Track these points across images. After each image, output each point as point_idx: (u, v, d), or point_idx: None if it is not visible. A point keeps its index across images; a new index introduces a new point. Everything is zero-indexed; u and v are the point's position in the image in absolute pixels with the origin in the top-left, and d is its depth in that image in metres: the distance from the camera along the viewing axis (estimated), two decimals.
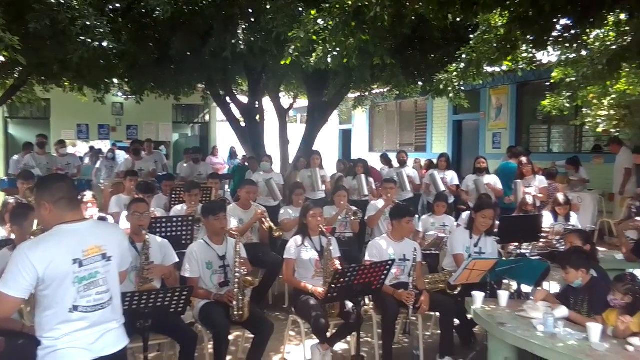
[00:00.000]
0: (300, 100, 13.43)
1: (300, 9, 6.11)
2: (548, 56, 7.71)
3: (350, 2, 4.68)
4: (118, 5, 6.97)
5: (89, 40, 5.86)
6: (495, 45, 5.75)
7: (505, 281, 5.09)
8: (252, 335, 4.23)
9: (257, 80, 10.19)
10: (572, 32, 5.54)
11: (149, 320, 3.30)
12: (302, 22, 5.06)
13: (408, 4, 5.01)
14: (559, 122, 11.36)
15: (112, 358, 2.58)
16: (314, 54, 5.19)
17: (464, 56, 5.99)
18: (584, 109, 9.28)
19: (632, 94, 7.89)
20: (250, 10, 7.00)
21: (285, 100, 12.92)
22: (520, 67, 7.66)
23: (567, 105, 7.90)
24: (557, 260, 4.80)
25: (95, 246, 2.57)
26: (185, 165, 10.29)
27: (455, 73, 6.09)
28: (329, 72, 7.31)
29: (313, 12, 5.00)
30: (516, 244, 5.43)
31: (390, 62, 6.02)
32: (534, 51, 6.83)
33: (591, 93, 8.17)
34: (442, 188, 7.92)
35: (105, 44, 5.99)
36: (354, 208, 6.39)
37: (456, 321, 4.73)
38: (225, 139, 16.63)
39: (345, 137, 19.42)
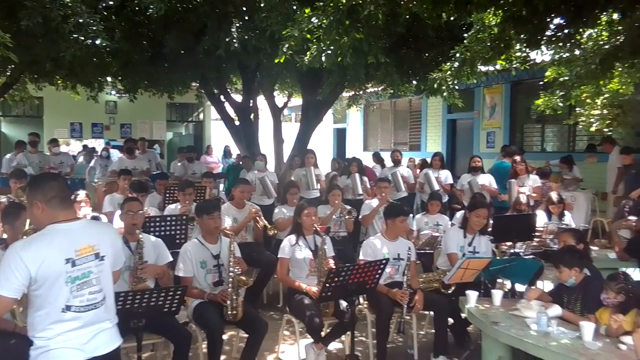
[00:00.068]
0: (294, 99, 13.43)
1: (295, 7, 6.10)
2: (542, 55, 7.75)
3: (344, 1, 4.68)
4: (111, 2, 6.95)
5: (82, 38, 5.83)
6: (489, 44, 5.77)
7: (499, 280, 5.11)
8: (246, 335, 4.21)
9: (251, 79, 10.17)
10: (566, 31, 5.57)
11: (142, 319, 3.29)
12: (296, 20, 5.05)
13: (402, 2, 5.01)
14: (552, 121, 11.40)
15: (105, 358, 2.57)
16: (308, 53, 5.18)
17: (458, 55, 6.00)
18: (577, 108, 9.32)
19: (625, 93, 7.93)
20: (244, 9, 6.99)
21: (280, 99, 12.91)
22: (514, 66, 7.69)
23: (561, 104, 7.93)
24: (550, 259, 4.81)
25: (88, 245, 2.56)
26: (179, 164, 10.25)
27: (449, 72, 6.10)
28: (323, 71, 7.31)
29: (307, 10, 5.00)
30: (510, 243, 5.44)
31: (385, 61, 6.01)
32: (527, 50, 6.86)
33: (584, 92, 8.20)
34: (437, 187, 7.94)
35: (98, 41, 5.97)
36: (348, 207, 6.40)
37: (450, 320, 4.74)
38: (220, 138, 16.60)
39: (340, 136, 19.42)
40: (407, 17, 5.57)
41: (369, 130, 18.03)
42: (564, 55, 7.09)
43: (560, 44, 6.02)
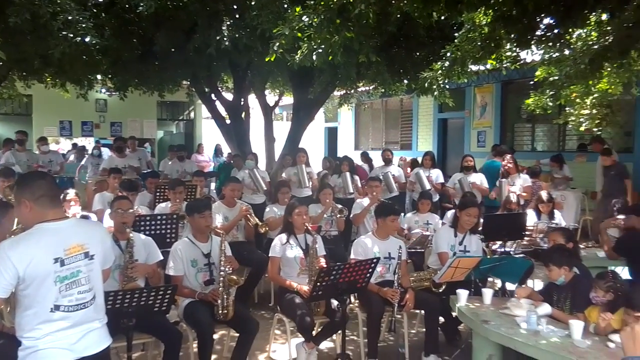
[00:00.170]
0: (286, 97, 13.41)
1: (285, 5, 6.10)
2: (532, 55, 7.76)
3: (335, 0, 4.67)
4: (101, 0, 6.89)
5: (71, 35, 5.79)
6: (479, 43, 5.79)
7: (489, 279, 5.13)
8: (237, 334, 4.20)
9: (242, 77, 10.15)
10: (555, 31, 5.59)
11: (132, 319, 3.26)
12: (287, 19, 5.03)
13: (393, 1, 5.02)
14: (542, 120, 11.47)
15: (95, 358, 2.55)
16: (299, 51, 5.17)
17: (448, 54, 6.01)
18: (567, 108, 9.37)
19: (614, 93, 7.98)
20: (235, 7, 6.97)
21: (271, 97, 12.89)
22: (505, 65, 7.72)
23: (551, 104, 7.96)
24: (540, 258, 4.84)
25: (77, 245, 2.53)
26: (169, 162, 10.21)
27: (440, 71, 6.11)
28: (314, 70, 7.30)
29: (298, 9, 4.99)
30: (500, 241, 5.47)
31: (376, 60, 6.02)
32: (517, 50, 6.88)
33: (574, 92, 8.24)
34: (428, 187, 7.95)
35: (87, 39, 5.93)
36: (340, 206, 6.39)
37: (441, 319, 4.76)
38: (211, 137, 16.55)
39: (331, 135, 19.42)
40: (398, 16, 5.57)
41: (361, 129, 18.04)
42: (554, 55, 7.12)
43: (550, 44, 6.04)
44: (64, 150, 16.54)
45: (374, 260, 4.05)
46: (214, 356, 4.29)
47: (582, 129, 9.34)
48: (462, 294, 3.97)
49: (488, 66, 7.65)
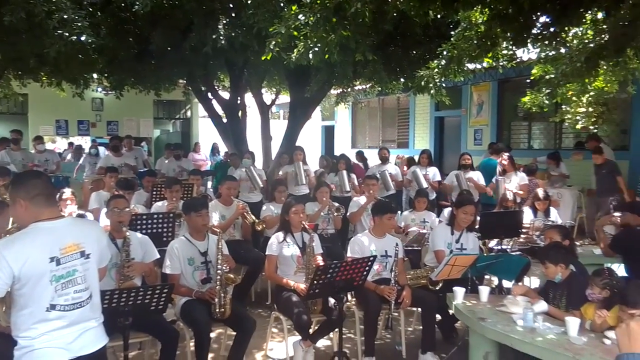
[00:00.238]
0: (282, 96, 13.39)
1: (282, 4, 6.08)
2: (528, 53, 7.79)
3: None
4: None
5: (67, 34, 5.76)
6: (475, 42, 5.78)
7: (486, 276, 5.14)
8: (234, 333, 4.20)
9: (238, 76, 10.14)
10: (551, 29, 5.60)
11: (129, 318, 3.26)
12: (283, 17, 5.02)
13: (389, 0, 5.01)
14: (539, 118, 11.49)
15: (91, 357, 2.55)
16: (295, 50, 5.17)
17: (445, 53, 6.01)
18: (563, 106, 9.39)
19: (610, 91, 8.01)
20: (231, 5, 6.96)
21: (268, 96, 12.87)
22: (501, 64, 7.72)
23: (547, 102, 7.98)
24: (537, 255, 4.85)
25: (73, 244, 2.53)
26: (166, 161, 10.20)
27: (436, 70, 6.10)
28: (310, 68, 7.30)
29: (294, 7, 4.97)
30: (497, 239, 5.48)
31: (372, 59, 6.02)
32: (514, 48, 6.88)
33: (570, 90, 8.27)
34: (425, 185, 7.96)
35: (83, 38, 5.91)
36: (337, 204, 6.40)
37: (438, 316, 4.76)
38: (208, 135, 16.52)
39: (328, 134, 19.42)
40: (395, 14, 5.58)
41: (357, 128, 18.04)
42: (550, 54, 7.13)
43: (546, 42, 6.05)
44: (60, 150, 16.49)
45: (371, 259, 4.05)
46: (210, 355, 4.28)
47: (578, 127, 9.37)
48: (459, 291, 3.98)
49: (484, 64, 7.67)
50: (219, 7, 6.86)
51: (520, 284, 4.68)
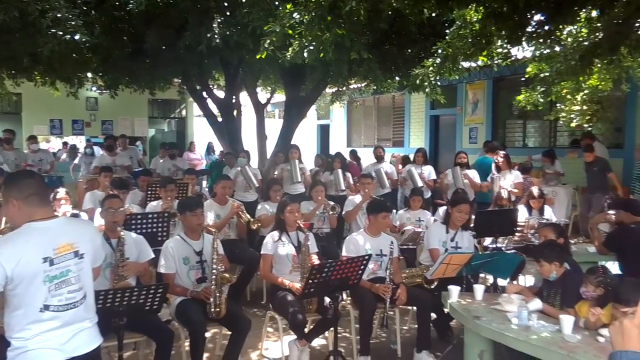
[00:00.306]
0: (277, 95, 13.38)
1: (276, 2, 6.06)
2: (523, 52, 7.79)
3: None
4: None
5: (60, 33, 5.71)
6: (470, 40, 5.79)
7: (481, 275, 5.15)
8: (229, 332, 4.20)
9: (233, 75, 10.11)
10: (546, 28, 5.62)
11: (123, 318, 3.25)
12: (278, 16, 5.01)
13: None
14: (534, 117, 11.52)
15: (85, 358, 2.54)
16: (290, 49, 5.16)
17: (440, 51, 6.01)
18: (558, 104, 9.42)
19: (604, 89, 8.03)
20: (226, 4, 6.93)
21: (263, 95, 12.85)
22: (496, 62, 7.73)
23: (542, 100, 8.00)
24: (531, 253, 4.87)
25: (67, 244, 2.52)
26: (161, 160, 10.18)
27: (431, 68, 6.11)
28: (306, 67, 7.29)
29: (289, 6, 4.96)
30: (492, 238, 5.49)
31: (367, 57, 6.01)
32: (508, 46, 6.89)
33: (565, 88, 8.29)
34: (420, 184, 7.97)
35: (77, 36, 5.86)
36: (332, 203, 6.40)
37: (433, 315, 4.77)
38: (203, 135, 16.49)
39: (323, 133, 19.42)
40: (390, 13, 5.57)
41: (353, 127, 18.05)
42: (545, 52, 7.15)
43: (541, 41, 6.06)
44: (55, 149, 16.43)
45: (366, 257, 4.05)
46: (206, 354, 4.28)
47: (573, 125, 9.40)
48: (454, 290, 3.99)
49: (479, 63, 7.68)
50: (213, 5, 6.84)
51: (515, 282, 4.71)
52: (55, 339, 2.44)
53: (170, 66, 8.41)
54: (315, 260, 4.57)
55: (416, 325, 4.67)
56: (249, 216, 6.00)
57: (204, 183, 11.37)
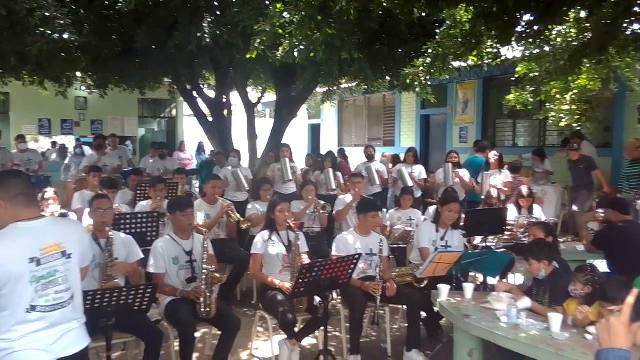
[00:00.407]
0: (268, 94, 13.36)
1: (267, 2, 6.05)
2: (512, 51, 7.84)
3: None
4: None
5: (49, 32, 5.67)
6: (460, 40, 5.82)
7: (471, 274, 5.17)
8: (219, 332, 4.18)
9: (224, 74, 10.09)
10: (535, 28, 5.65)
11: (112, 318, 3.23)
12: (268, 15, 5.01)
13: None
14: (523, 116, 11.57)
15: (73, 359, 2.51)
16: (280, 48, 5.16)
17: (430, 51, 6.03)
18: (547, 104, 9.47)
19: (593, 89, 8.09)
20: (216, 3, 6.92)
21: (253, 94, 12.83)
22: (486, 62, 7.77)
23: (531, 99, 8.05)
24: (521, 252, 4.89)
25: (54, 244, 2.50)
26: (151, 160, 10.14)
27: (421, 68, 6.13)
28: (296, 67, 7.28)
29: (279, 5, 4.96)
30: (482, 236, 5.51)
31: (358, 57, 6.02)
32: (498, 46, 6.93)
33: (554, 88, 8.34)
34: (410, 184, 7.99)
35: (66, 36, 5.83)
36: (322, 202, 6.40)
37: (423, 314, 4.78)
38: (193, 134, 16.43)
39: (314, 132, 19.42)
40: (380, 13, 5.59)
41: (344, 126, 18.06)
42: (534, 52, 7.19)
43: (530, 41, 6.10)
44: (44, 149, 16.29)
45: (356, 257, 4.06)
46: (195, 354, 4.26)
47: (562, 124, 9.45)
48: (444, 288, 4.00)
49: (469, 62, 7.71)
50: (203, 5, 6.82)
51: (504, 280, 4.73)
52: (42, 340, 2.42)
53: (161, 66, 8.38)
54: (306, 259, 4.56)
55: (406, 324, 4.69)
56: (239, 216, 5.99)
57: (195, 182, 11.33)
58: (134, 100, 14.80)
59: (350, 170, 9.55)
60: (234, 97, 11.67)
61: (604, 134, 10.29)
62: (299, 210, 6.14)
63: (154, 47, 7.56)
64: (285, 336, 4.36)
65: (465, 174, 8.02)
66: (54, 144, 15.70)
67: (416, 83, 6.47)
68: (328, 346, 4.08)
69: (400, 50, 8.20)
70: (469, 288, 4.00)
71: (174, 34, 6.89)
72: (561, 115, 9.18)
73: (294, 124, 11.19)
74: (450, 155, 8.24)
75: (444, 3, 5.08)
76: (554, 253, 4.07)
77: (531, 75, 7.26)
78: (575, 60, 6.07)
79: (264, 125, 14.00)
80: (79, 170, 9.98)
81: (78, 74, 9.63)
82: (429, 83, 7.39)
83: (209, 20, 6.61)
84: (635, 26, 5.65)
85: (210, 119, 10.75)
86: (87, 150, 12.07)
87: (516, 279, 5.81)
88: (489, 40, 6.36)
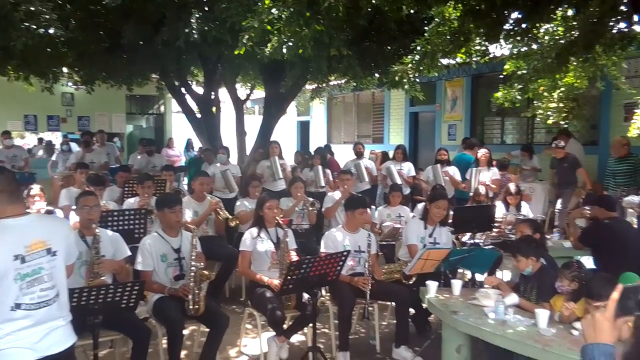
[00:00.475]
0: (257, 91, 13.31)
1: None
2: (501, 49, 7.87)
3: None
4: None
5: (34, 27, 5.61)
6: (449, 37, 5.83)
7: (459, 270, 5.19)
8: (207, 329, 4.17)
9: (212, 71, 10.03)
10: (523, 25, 5.68)
11: (99, 316, 3.20)
12: (256, 11, 4.99)
13: None
14: (511, 114, 11.63)
15: (59, 357, 2.50)
16: (269, 44, 5.14)
17: (418, 48, 6.03)
18: (535, 101, 9.52)
19: (580, 87, 8.14)
20: None
21: (242, 91, 12.77)
22: (474, 59, 7.79)
23: (519, 97, 8.08)
24: (508, 249, 4.92)
25: (39, 241, 2.47)
26: (139, 157, 10.07)
27: (410, 65, 6.13)
28: (285, 63, 7.26)
29: (267, 1, 4.94)
30: (470, 233, 5.54)
31: (347, 54, 6.01)
32: (486, 44, 6.95)
33: (541, 86, 8.38)
34: (399, 181, 8.01)
35: (51, 30, 5.77)
36: (311, 199, 6.39)
37: (412, 310, 4.80)
38: (181, 131, 16.34)
39: (303, 129, 19.39)
40: (369, 9, 5.57)
41: (333, 123, 18.05)
42: (522, 49, 7.22)
43: (518, 38, 6.13)
44: (30, 145, 16.13)
45: (344, 253, 4.05)
46: (184, 352, 4.25)
47: (549, 122, 9.50)
48: (432, 285, 4.01)
49: (458, 60, 7.72)
50: (191, 0, 6.77)
51: (492, 277, 4.74)
52: (27, 338, 2.40)
53: (148, 62, 8.31)
54: (294, 256, 4.56)
55: (395, 321, 4.70)
56: (227, 213, 5.96)
57: (184, 180, 11.27)
58: (122, 97, 14.68)
59: (339, 167, 9.55)
60: (223, 93, 11.60)
61: (591, 131, 10.38)
62: (287, 207, 6.13)
63: (141, 42, 7.49)
64: (274, 333, 4.35)
65: (455, 171, 8.05)
66: (40, 140, 15.54)
67: (405, 80, 6.47)
68: (317, 343, 4.08)
69: (389, 47, 8.20)
70: (457, 284, 4.02)
71: (161, 30, 6.83)
72: (549, 112, 9.22)
73: (282, 120, 11.15)
74: (439, 152, 8.28)
75: (433, 0, 5.09)
76: (541, 249, 4.11)
77: (519, 72, 7.29)
78: (562, 58, 6.11)
79: (253, 122, 13.95)
80: (66, 167, 9.90)
81: (64, 69, 9.53)
82: (418, 80, 7.38)
83: (197, 16, 6.56)
84: (621, 25, 5.69)
85: (198, 115, 10.69)
86: (74, 146, 11.98)
87: (504, 275, 5.84)
88: (477, 38, 6.38)
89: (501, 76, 9.27)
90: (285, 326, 4.40)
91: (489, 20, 5.41)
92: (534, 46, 6.80)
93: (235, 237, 6.07)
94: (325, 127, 18.15)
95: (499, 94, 8.28)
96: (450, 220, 5.30)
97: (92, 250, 3.91)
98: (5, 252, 2.35)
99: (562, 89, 8.34)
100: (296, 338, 4.76)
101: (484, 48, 7.31)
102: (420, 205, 6.45)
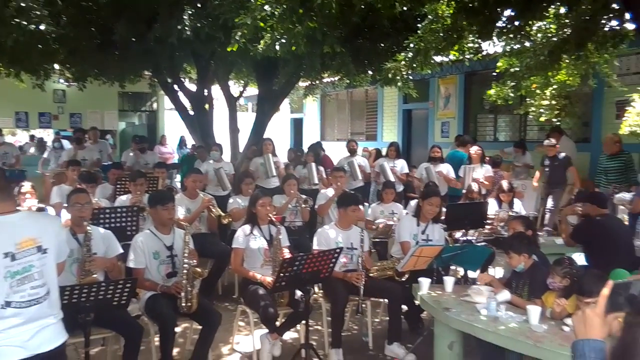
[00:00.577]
0: (250, 88, 13.27)
1: None
2: (494, 46, 7.88)
3: None
4: None
5: (25, 23, 5.57)
6: (442, 34, 5.83)
7: (452, 267, 5.20)
8: (200, 327, 4.16)
9: (205, 68, 9.99)
10: (516, 23, 5.70)
11: (90, 314, 3.19)
12: (249, 8, 4.97)
13: None
14: (504, 111, 11.67)
15: (50, 355, 2.48)
16: (262, 41, 5.12)
17: (412, 45, 6.03)
18: (527, 99, 9.56)
19: (572, 84, 8.18)
20: None
21: (235, 88, 12.74)
22: (467, 57, 7.80)
23: (512, 94, 8.10)
24: (501, 245, 4.94)
25: (29, 238, 2.45)
26: (131, 154, 10.02)
27: (403, 62, 6.13)
28: (278, 60, 7.24)
29: None
30: (462, 230, 5.55)
31: (340, 51, 6.01)
32: (479, 41, 6.96)
33: (534, 83, 8.41)
34: (392, 178, 8.01)
35: (42, 27, 5.73)
36: (304, 196, 6.38)
37: (404, 307, 4.81)
38: (174, 128, 16.28)
39: (297, 126, 19.38)
40: (362, 7, 5.57)
41: (326, 120, 18.05)
42: (515, 47, 7.24)
43: (511, 36, 6.15)
44: (22, 142, 16.03)
45: (337, 250, 4.06)
46: (176, 349, 4.24)
47: (542, 119, 9.54)
48: (424, 282, 4.02)
49: (451, 57, 7.73)
50: None
51: (484, 273, 4.76)
52: (17, 336, 2.38)
53: (140, 58, 8.28)
54: (287, 254, 4.55)
55: (387, 318, 4.71)
56: (219, 211, 5.95)
57: (177, 177, 11.24)
58: (114, 94, 14.60)
59: (333, 164, 9.55)
60: (216, 90, 11.57)
61: (583, 129, 10.43)
62: (280, 205, 6.12)
63: (133, 39, 7.45)
64: (267, 330, 4.35)
65: (449, 169, 8.06)
66: (31, 137, 15.45)
67: (398, 77, 6.47)
68: (309, 340, 4.09)
69: (382, 45, 8.20)
70: (449, 281, 4.03)
71: (153, 26, 6.80)
72: (541, 110, 9.26)
73: (276, 118, 11.14)
74: (433, 149, 8.29)
75: None
76: (533, 246, 4.13)
77: (512, 70, 7.31)
78: (554, 56, 6.13)
79: (246, 119, 13.91)
80: (58, 164, 9.83)
81: (56, 66, 9.47)
82: (411, 77, 7.38)
83: (190, 12, 6.54)
84: (613, 22, 5.73)
85: (191, 112, 10.66)
86: (66, 143, 11.91)
87: (496, 272, 5.86)
88: (470, 35, 6.39)
89: (494, 74, 9.30)
90: (278, 323, 4.40)
91: (482, 17, 5.43)
92: (527, 44, 6.81)
93: (228, 234, 6.07)
94: (319, 124, 18.15)
95: (491, 92, 8.30)
96: (442, 217, 5.31)
97: (83, 247, 3.89)
98: None
99: (555, 86, 8.37)
100: (289, 335, 4.76)
101: (476, 45, 7.33)
102: (413, 203, 6.46)
